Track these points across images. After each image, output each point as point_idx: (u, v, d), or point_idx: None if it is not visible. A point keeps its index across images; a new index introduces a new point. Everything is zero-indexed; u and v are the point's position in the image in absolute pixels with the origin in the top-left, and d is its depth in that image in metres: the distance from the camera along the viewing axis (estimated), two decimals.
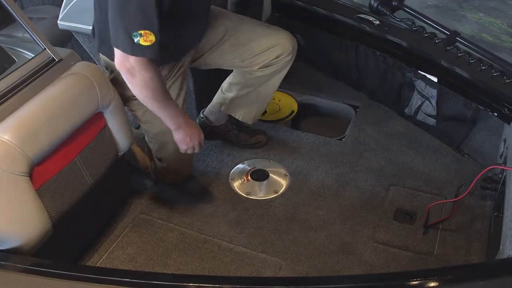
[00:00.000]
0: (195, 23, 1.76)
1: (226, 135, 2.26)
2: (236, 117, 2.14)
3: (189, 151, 1.84)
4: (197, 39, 1.84)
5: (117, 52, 1.53)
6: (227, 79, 2.12)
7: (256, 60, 1.93)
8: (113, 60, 1.72)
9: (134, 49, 1.48)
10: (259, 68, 1.95)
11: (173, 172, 2.04)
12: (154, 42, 1.47)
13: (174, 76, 1.83)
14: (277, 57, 1.93)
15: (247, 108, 2.11)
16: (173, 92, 1.82)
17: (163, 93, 1.64)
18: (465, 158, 2.17)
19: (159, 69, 1.64)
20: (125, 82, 1.74)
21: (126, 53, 1.50)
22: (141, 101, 1.66)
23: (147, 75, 1.55)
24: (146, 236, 1.88)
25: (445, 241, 1.81)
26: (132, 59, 1.51)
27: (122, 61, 1.53)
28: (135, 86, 1.59)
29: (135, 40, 1.46)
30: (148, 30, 1.46)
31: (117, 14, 1.47)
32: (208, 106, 2.22)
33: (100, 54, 1.80)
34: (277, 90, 2.58)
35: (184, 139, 1.79)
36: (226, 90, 2.11)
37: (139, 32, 1.45)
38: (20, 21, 1.59)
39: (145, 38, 1.46)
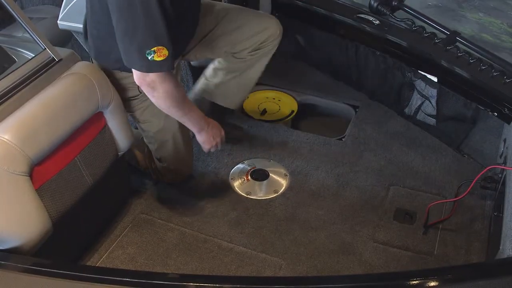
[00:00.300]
0: (191, 20, 1.76)
1: None
2: (222, 104, 2.12)
3: (213, 150, 1.86)
4: (193, 35, 1.84)
5: (134, 71, 1.55)
6: (210, 65, 2.09)
7: (247, 45, 1.94)
8: (112, 69, 1.72)
9: (150, 67, 1.50)
10: (249, 53, 1.96)
11: (173, 172, 2.04)
12: (168, 55, 1.48)
13: None
14: (266, 39, 1.94)
15: (233, 94, 2.09)
16: None
17: (184, 100, 1.67)
18: (465, 158, 2.17)
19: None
20: (122, 84, 1.75)
21: (143, 71, 1.52)
22: (166, 112, 1.68)
23: (168, 85, 1.57)
24: (146, 236, 1.88)
25: (445, 241, 1.81)
26: (151, 74, 1.53)
27: (141, 78, 1.55)
28: (158, 98, 1.61)
29: (149, 57, 1.47)
30: (161, 45, 1.46)
31: (126, 36, 1.48)
32: (190, 94, 2.18)
33: (94, 60, 1.79)
34: (277, 90, 2.60)
35: (207, 139, 1.81)
36: (210, 76, 2.09)
37: (152, 49, 1.46)
38: (20, 21, 1.59)
39: (159, 54, 1.47)
